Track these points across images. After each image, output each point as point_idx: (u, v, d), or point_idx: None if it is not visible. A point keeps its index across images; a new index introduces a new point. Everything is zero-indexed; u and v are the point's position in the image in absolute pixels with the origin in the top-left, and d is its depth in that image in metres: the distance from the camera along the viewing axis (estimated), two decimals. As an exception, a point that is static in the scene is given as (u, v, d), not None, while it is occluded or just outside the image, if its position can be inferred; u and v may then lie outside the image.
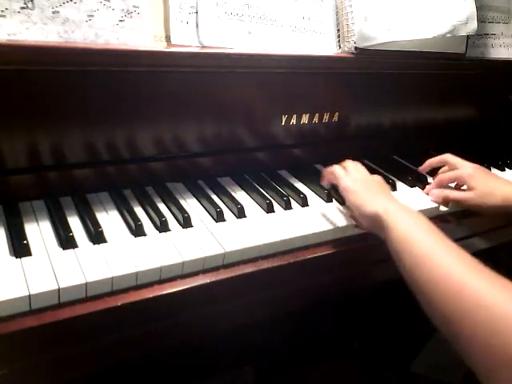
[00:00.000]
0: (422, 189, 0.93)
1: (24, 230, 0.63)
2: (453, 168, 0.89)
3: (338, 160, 0.97)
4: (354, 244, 0.76)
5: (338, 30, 0.88)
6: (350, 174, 0.76)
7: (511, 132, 1.23)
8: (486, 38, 1.06)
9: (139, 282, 0.60)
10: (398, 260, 0.61)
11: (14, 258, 0.58)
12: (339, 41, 0.88)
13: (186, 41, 0.73)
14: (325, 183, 0.84)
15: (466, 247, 0.95)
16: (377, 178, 0.78)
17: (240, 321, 0.72)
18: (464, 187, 0.88)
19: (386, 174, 0.98)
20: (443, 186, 0.90)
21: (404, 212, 0.66)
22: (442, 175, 0.91)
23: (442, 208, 0.88)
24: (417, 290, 0.57)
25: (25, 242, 0.60)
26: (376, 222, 0.66)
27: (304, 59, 0.83)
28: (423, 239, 0.60)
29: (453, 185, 0.91)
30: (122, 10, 0.67)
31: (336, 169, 0.79)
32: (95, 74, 0.67)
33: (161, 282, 0.61)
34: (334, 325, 1.24)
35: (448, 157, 0.91)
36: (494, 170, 1.10)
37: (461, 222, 0.90)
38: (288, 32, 0.82)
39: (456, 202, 0.87)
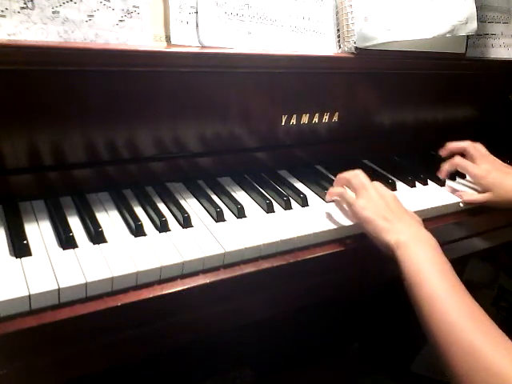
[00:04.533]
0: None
1: (24, 230, 0.63)
2: (471, 159, 0.91)
3: (338, 160, 0.97)
4: (354, 244, 0.76)
5: (338, 30, 0.88)
6: (361, 197, 0.73)
7: (511, 132, 1.23)
8: (486, 38, 1.06)
9: (139, 282, 0.60)
10: (409, 290, 0.61)
11: (14, 257, 0.58)
12: (339, 41, 0.88)
13: (186, 41, 0.73)
14: (328, 200, 0.82)
15: (466, 247, 0.97)
16: (388, 193, 0.75)
17: (240, 321, 0.72)
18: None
19: (385, 173, 0.98)
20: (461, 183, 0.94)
21: (418, 245, 0.64)
22: (460, 160, 0.92)
23: (444, 208, 0.88)
24: (422, 323, 0.58)
25: (25, 241, 0.60)
26: (388, 252, 0.66)
27: (304, 59, 0.83)
28: (434, 281, 0.59)
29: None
30: (122, 9, 0.67)
31: (346, 195, 0.76)
32: (95, 73, 0.67)
33: (161, 282, 0.61)
34: (334, 325, 1.24)
35: (469, 147, 0.92)
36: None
37: (461, 221, 0.90)
38: (288, 32, 0.82)
39: (471, 203, 0.89)
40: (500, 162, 0.91)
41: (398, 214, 0.70)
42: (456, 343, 0.53)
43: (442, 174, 0.95)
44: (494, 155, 1.14)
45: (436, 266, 0.61)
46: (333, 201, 0.81)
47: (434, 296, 0.57)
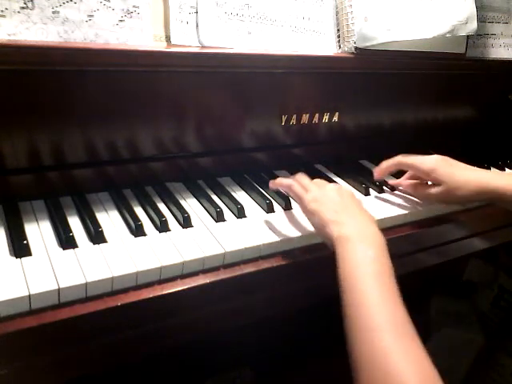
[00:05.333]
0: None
1: (24, 230, 0.63)
2: (411, 169, 0.85)
3: (338, 160, 0.97)
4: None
5: (338, 30, 0.88)
6: (312, 190, 0.70)
7: (511, 132, 1.23)
8: (486, 38, 1.06)
9: (139, 282, 0.60)
10: (341, 291, 0.56)
11: (14, 257, 0.58)
12: (339, 41, 0.88)
13: (186, 41, 0.73)
14: (271, 188, 0.78)
15: (466, 247, 0.97)
16: (344, 190, 0.70)
17: (240, 321, 0.72)
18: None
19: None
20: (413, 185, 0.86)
21: (360, 242, 0.59)
22: (406, 182, 0.87)
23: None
24: (346, 326, 0.54)
25: (25, 242, 0.60)
26: (331, 247, 0.62)
27: (304, 59, 0.83)
28: (367, 284, 0.55)
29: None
30: (122, 9, 0.67)
31: (294, 187, 0.72)
32: (95, 73, 0.67)
33: (161, 282, 0.61)
34: (334, 325, 1.24)
35: (400, 159, 0.84)
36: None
37: (461, 221, 0.90)
38: (288, 32, 0.82)
39: (425, 199, 0.84)
40: (440, 156, 0.84)
41: (350, 209, 0.66)
42: (372, 351, 0.49)
43: (376, 174, 0.87)
44: (494, 155, 1.14)
45: (373, 267, 0.56)
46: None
47: (363, 301, 0.53)
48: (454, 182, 0.78)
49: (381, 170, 0.87)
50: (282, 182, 0.76)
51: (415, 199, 0.88)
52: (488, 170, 0.88)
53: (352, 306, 0.54)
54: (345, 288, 0.56)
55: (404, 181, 0.89)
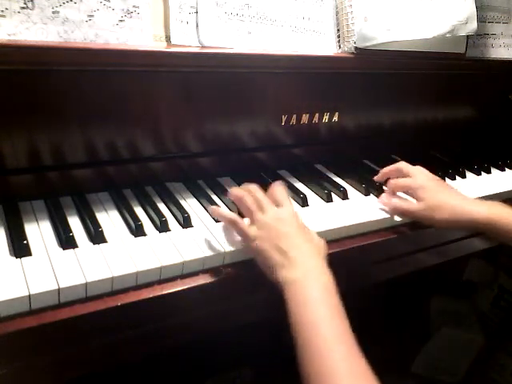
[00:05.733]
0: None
1: (24, 230, 0.63)
2: (406, 177, 0.84)
3: (338, 160, 0.97)
4: (354, 244, 0.76)
5: (338, 30, 0.88)
6: (253, 223, 0.65)
7: (511, 132, 1.23)
8: (486, 38, 1.06)
9: (139, 282, 0.60)
10: (293, 333, 0.55)
11: (14, 257, 0.58)
12: (339, 41, 0.88)
13: (186, 41, 0.73)
14: (214, 216, 0.72)
15: (466, 247, 0.97)
16: (286, 214, 0.65)
17: (240, 321, 0.72)
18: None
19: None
20: (396, 194, 0.85)
21: (307, 286, 0.57)
22: (394, 182, 0.85)
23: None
24: (300, 367, 0.54)
25: (25, 242, 0.60)
26: (278, 288, 0.59)
27: (304, 59, 0.83)
28: (320, 328, 0.54)
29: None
30: (122, 9, 0.67)
31: (238, 224, 0.65)
32: (95, 73, 0.67)
33: (161, 282, 0.61)
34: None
35: (402, 165, 0.86)
36: (494, 170, 1.10)
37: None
38: (288, 32, 0.82)
39: (403, 213, 0.81)
40: (437, 178, 0.84)
41: (294, 241, 0.62)
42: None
43: (377, 177, 0.89)
44: (494, 155, 1.14)
45: (324, 306, 0.56)
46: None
47: (318, 343, 0.52)
48: (433, 204, 0.78)
49: (382, 173, 0.88)
50: (223, 216, 0.68)
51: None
52: (475, 200, 0.83)
53: (306, 348, 0.53)
54: (297, 331, 0.55)
55: (389, 190, 0.86)
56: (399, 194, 0.85)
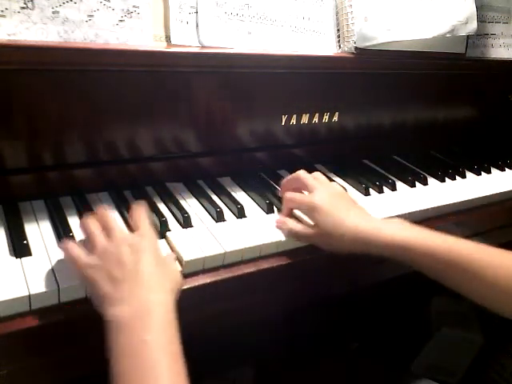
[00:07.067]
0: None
1: (24, 230, 0.63)
2: (305, 189, 0.73)
3: (338, 160, 0.97)
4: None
5: (338, 30, 0.88)
6: (91, 248, 0.55)
7: (511, 132, 1.23)
8: (486, 38, 1.06)
9: (139, 282, 0.59)
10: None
11: (14, 258, 0.58)
12: (339, 41, 0.88)
13: (186, 41, 0.73)
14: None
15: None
16: (138, 236, 0.56)
17: (240, 321, 0.72)
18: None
19: (386, 173, 0.98)
20: (293, 211, 0.73)
21: (137, 328, 0.49)
22: (290, 197, 0.72)
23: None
24: None
25: (25, 242, 0.60)
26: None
27: (304, 59, 0.83)
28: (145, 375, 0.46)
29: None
30: (122, 9, 0.67)
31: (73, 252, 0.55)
32: (95, 73, 0.67)
33: (161, 282, 0.61)
34: (334, 325, 1.24)
35: (300, 175, 0.73)
36: (494, 170, 1.10)
37: (461, 221, 0.90)
38: (288, 32, 0.82)
39: (297, 238, 0.70)
40: (339, 191, 0.72)
41: (137, 272, 0.52)
42: None
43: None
44: (494, 155, 1.14)
45: (159, 366, 0.46)
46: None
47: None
48: (331, 228, 0.66)
49: (282, 185, 0.77)
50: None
51: (416, 200, 0.88)
52: (381, 220, 0.70)
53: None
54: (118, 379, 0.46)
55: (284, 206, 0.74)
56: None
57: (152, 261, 0.54)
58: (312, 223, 0.69)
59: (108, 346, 0.48)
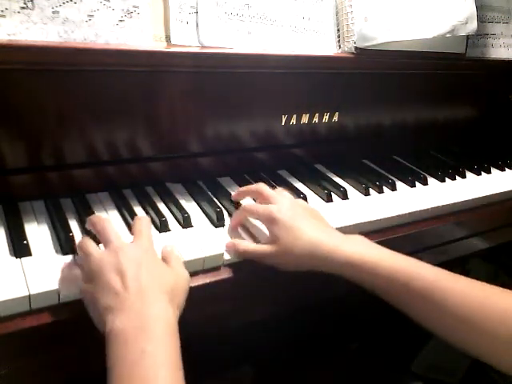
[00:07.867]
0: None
1: (24, 230, 0.63)
2: (264, 201, 0.69)
3: (338, 160, 0.97)
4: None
5: (338, 30, 0.88)
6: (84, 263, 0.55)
7: (511, 132, 1.23)
8: (486, 38, 1.06)
9: (139, 282, 0.59)
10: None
11: (14, 258, 0.58)
12: (339, 41, 0.88)
13: (186, 41, 0.73)
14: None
15: (466, 247, 0.97)
16: (135, 244, 0.56)
17: (240, 321, 0.72)
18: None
19: (386, 173, 0.98)
20: (245, 227, 0.71)
21: (136, 339, 0.47)
22: (249, 205, 0.71)
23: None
24: None
25: (25, 242, 0.60)
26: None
27: (304, 59, 0.83)
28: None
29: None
30: (122, 9, 0.67)
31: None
32: (95, 73, 0.67)
33: (161, 282, 0.61)
34: (334, 325, 1.23)
35: (262, 188, 0.70)
36: (494, 170, 1.10)
37: (461, 221, 0.90)
38: (288, 32, 0.82)
39: (251, 258, 0.65)
40: (303, 205, 0.70)
41: (136, 279, 0.51)
42: None
43: (234, 195, 0.75)
44: (494, 155, 1.14)
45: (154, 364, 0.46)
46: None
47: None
48: (289, 244, 0.62)
49: (239, 191, 0.75)
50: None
51: (415, 201, 0.88)
52: (340, 236, 0.65)
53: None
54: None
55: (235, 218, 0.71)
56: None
57: (151, 272, 0.53)
58: (265, 236, 0.66)
59: (106, 357, 0.47)
